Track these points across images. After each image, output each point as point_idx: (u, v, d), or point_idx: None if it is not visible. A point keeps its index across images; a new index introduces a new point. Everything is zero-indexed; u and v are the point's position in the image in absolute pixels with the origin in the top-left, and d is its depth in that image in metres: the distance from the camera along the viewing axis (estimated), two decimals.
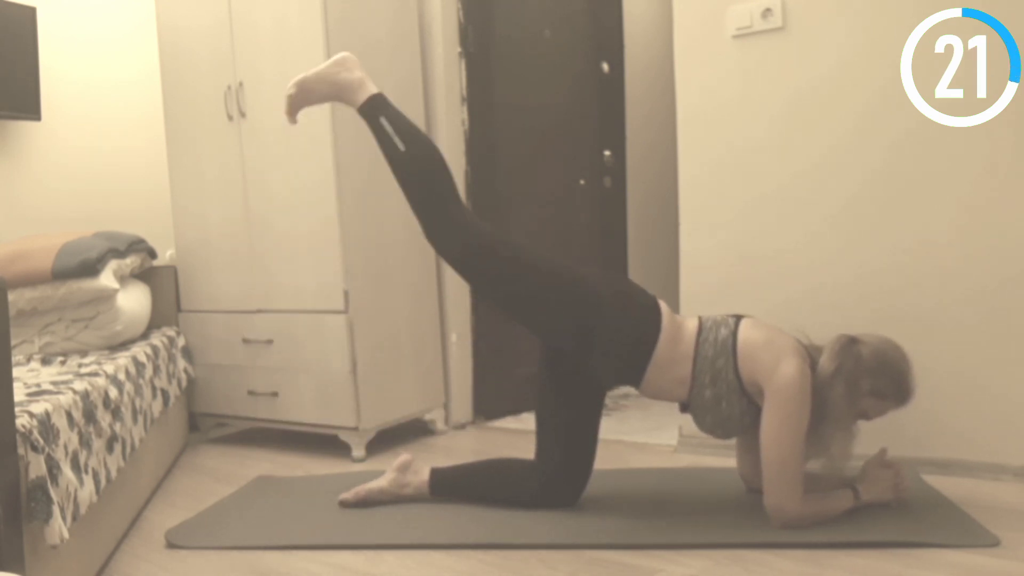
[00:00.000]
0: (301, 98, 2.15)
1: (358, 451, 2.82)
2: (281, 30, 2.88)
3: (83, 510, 1.68)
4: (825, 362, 1.90)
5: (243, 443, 3.20)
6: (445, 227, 2.07)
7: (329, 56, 2.76)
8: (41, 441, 1.52)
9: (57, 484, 1.54)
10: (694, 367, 1.98)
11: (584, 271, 2.11)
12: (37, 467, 1.49)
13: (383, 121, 2.07)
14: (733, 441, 2.21)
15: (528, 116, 3.49)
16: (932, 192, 2.26)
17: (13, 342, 2.44)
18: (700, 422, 2.05)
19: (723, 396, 1.96)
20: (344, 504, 2.22)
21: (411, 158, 2.09)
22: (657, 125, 3.73)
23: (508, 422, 3.30)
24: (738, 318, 2.03)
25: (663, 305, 2.06)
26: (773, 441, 1.86)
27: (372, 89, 2.10)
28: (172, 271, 3.33)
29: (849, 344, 1.92)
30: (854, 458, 1.94)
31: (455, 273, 2.17)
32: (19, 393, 1.77)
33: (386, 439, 2.96)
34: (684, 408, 2.07)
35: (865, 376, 1.90)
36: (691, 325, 2.03)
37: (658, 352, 1.99)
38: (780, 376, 1.87)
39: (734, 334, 1.97)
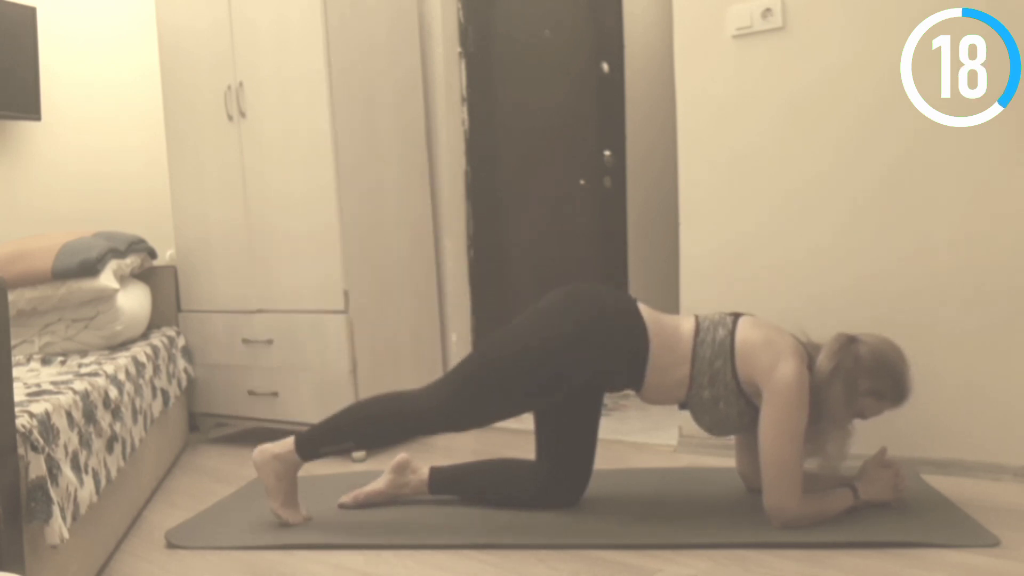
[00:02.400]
0: (281, 501, 2.11)
1: (358, 451, 2.81)
2: (281, 30, 2.88)
3: (83, 510, 1.68)
4: (823, 361, 1.90)
5: (243, 443, 3.20)
6: (431, 422, 2.11)
7: (328, 56, 2.77)
8: (41, 441, 1.52)
9: (57, 484, 1.54)
10: (692, 368, 1.97)
11: (548, 311, 2.05)
12: (37, 467, 1.49)
13: (324, 449, 2.11)
14: (733, 441, 2.21)
15: (528, 116, 3.49)
16: (933, 193, 2.26)
17: (13, 342, 2.44)
18: (698, 420, 2.05)
19: (721, 397, 1.96)
20: (344, 508, 2.22)
21: (363, 437, 2.19)
22: (657, 125, 3.73)
23: (508, 422, 3.27)
24: (736, 317, 2.03)
25: (643, 309, 2.04)
26: (772, 442, 1.86)
27: (289, 442, 2.09)
28: (172, 271, 3.33)
29: (847, 343, 1.92)
30: (852, 457, 1.94)
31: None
32: (19, 393, 1.77)
33: None
34: (682, 406, 2.07)
35: (863, 376, 1.90)
36: (688, 325, 2.03)
37: (653, 359, 1.98)
38: (778, 377, 1.86)
39: (732, 334, 1.97)
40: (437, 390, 2.08)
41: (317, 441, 2.10)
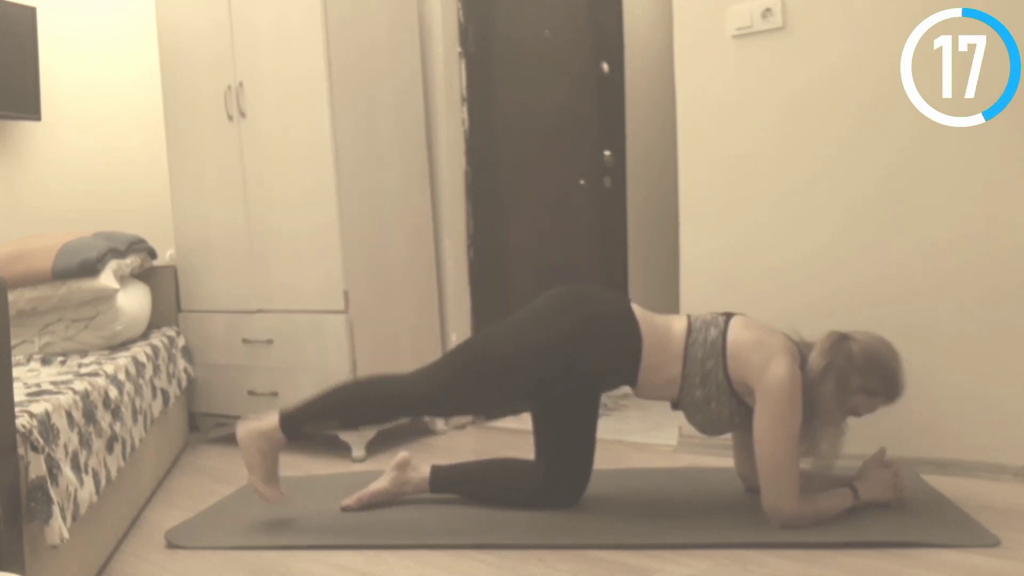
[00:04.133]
0: (262, 476, 2.11)
1: (358, 451, 2.82)
2: (281, 30, 2.88)
3: (83, 510, 1.68)
4: (815, 359, 1.90)
5: None
6: (415, 403, 2.13)
7: (328, 56, 2.77)
8: (41, 441, 1.52)
9: (57, 484, 1.54)
10: (684, 368, 1.98)
11: (544, 309, 2.07)
12: (37, 467, 1.49)
13: (307, 426, 2.12)
14: (732, 441, 2.21)
15: (528, 116, 3.49)
16: (933, 193, 2.26)
17: (13, 342, 2.44)
18: (691, 420, 2.06)
19: (713, 397, 1.96)
20: (346, 510, 2.21)
21: (349, 419, 2.24)
22: (657, 125, 3.73)
23: (508, 422, 3.29)
24: (728, 317, 2.03)
25: (636, 309, 2.05)
26: (767, 442, 1.86)
27: (274, 419, 2.10)
28: (172, 271, 3.33)
29: (839, 341, 1.92)
30: (853, 458, 1.94)
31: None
32: (19, 393, 1.77)
33: (386, 439, 2.96)
34: (675, 406, 2.07)
35: (855, 373, 1.90)
36: (680, 325, 2.03)
37: (645, 358, 1.99)
38: (770, 377, 1.86)
39: (723, 334, 1.97)
40: (427, 377, 2.10)
41: (301, 419, 2.10)
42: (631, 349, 1.99)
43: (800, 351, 1.94)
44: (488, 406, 2.13)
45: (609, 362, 2.02)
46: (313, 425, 2.12)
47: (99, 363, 2.42)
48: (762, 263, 2.52)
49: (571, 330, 2.00)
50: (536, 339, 2.01)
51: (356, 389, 2.17)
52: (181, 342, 3.20)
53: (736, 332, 1.97)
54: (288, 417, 2.10)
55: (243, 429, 2.11)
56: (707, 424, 2.03)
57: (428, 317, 3.16)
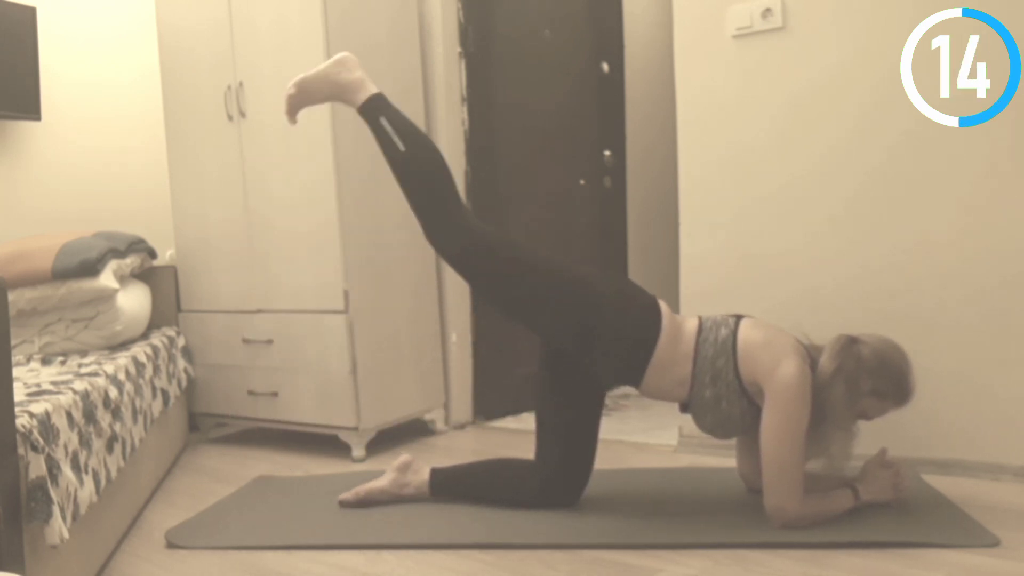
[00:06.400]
0: (301, 98, 2.17)
1: (358, 451, 2.82)
2: (281, 30, 2.88)
3: (83, 510, 1.68)
4: (825, 362, 1.90)
5: (243, 443, 3.20)
6: (445, 227, 2.07)
7: (329, 56, 2.77)
8: (41, 441, 1.52)
9: (57, 484, 1.54)
10: (694, 367, 1.97)
11: (584, 270, 2.11)
12: (37, 467, 1.49)
13: (383, 121, 2.08)
14: (733, 441, 2.21)
15: (528, 116, 3.49)
16: (932, 192, 2.27)
17: (13, 342, 2.44)
18: (700, 422, 2.05)
19: (723, 396, 1.96)
20: (344, 504, 2.22)
21: (411, 158, 2.10)
22: (657, 125, 3.74)
23: (508, 422, 3.30)
24: (738, 318, 2.03)
25: (663, 305, 2.06)
26: (773, 442, 1.86)
27: (372, 89, 2.11)
28: (172, 271, 3.33)
29: (849, 344, 1.92)
30: (854, 458, 1.94)
31: (455, 273, 2.17)
32: (19, 393, 1.77)
33: (386, 439, 2.96)
34: (684, 408, 2.07)
35: (865, 376, 1.90)
36: (691, 325, 2.03)
37: (658, 352, 1.98)
38: (780, 376, 1.86)
39: (734, 334, 1.97)
40: (482, 229, 2.09)
41: (385, 116, 2.08)
42: (647, 336, 1.99)
43: (810, 354, 1.94)
44: (503, 290, 2.10)
45: (628, 335, 2.01)
46: (387, 128, 2.08)
47: (99, 363, 2.42)
48: (762, 262, 2.52)
49: (608, 292, 2.03)
50: (584, 281, 2.04)
51: (434, 163, 2.12)
52: (181, 342, 3.20)
53: (746, 332, 1.97)
54: (378, 102, 2.10)
55: (350, 61, 2.11)
56: (717, 425, 2.02)
57: (428, 317, 3.16)
